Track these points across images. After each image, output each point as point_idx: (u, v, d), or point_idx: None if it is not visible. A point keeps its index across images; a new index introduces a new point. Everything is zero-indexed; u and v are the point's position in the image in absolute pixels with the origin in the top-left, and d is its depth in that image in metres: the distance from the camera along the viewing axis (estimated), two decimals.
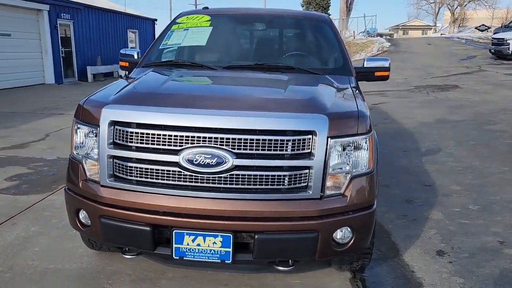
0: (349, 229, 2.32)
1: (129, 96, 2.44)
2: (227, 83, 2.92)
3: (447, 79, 15.48)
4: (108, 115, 2.26)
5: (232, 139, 2.13)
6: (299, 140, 2.16)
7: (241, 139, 2.13)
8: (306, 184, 2.19)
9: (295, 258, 2.27)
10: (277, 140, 2.14)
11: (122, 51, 3.81)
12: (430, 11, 72.83)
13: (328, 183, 2.23)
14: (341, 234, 2.33)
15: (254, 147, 2.13)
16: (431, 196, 4.41)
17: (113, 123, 2.25)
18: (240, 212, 2.14)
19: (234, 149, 2.13)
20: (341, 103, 2.51)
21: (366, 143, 2.33)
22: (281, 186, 2.17)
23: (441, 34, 49.70)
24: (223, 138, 2.13)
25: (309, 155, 2.17)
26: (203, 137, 2.13)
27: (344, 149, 2.26)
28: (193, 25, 3.72)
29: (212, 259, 2.18)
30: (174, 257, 2.20)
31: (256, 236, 2.15)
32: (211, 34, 3.61)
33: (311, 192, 2.19)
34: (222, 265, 2.25)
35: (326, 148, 2.19)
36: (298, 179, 2.18)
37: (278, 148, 2.15)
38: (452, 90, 12.86)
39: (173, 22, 3.85)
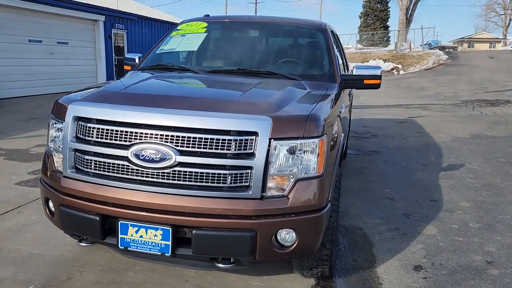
0: (292, 232, 2.32)
1: (96, 95, 2.61)
2: (194, 86, 3.03)
3: (501, 94, 14.66)
4: (72, 111, 2.45)
5: (176, 136, 2.22)
6: (241, 140, 2.22)
7: (184, 137, 2.22)
8: (247, 184, 2.23)
9: (233, 256, 2.31)
10: (220, 140, 2.21)
11: (126, 55, 4.05)
12: (500, 23, 69.13)
13: (270, 184, 2.26)
14: (284, 236, 2.33)
15: (197, 145, 2.21)
16: (433, 212, 4.23)
17: (77, 119, 2.43)
18: (180, 207, 2.22)
19: (178, 146, 2.22)
20: (295, 107, 2.52)
21: (314, 147, 2.32)
22: (222, 184, 2.23)
23: (511, 48, 46.86)
24: (167, 136, 2.23)
25: (250, 156, 2.22)
26: (149, 134, 2.25)
27: (289, 152, 2.28)
28: (190, 31, 3.88)
29: (153, 251, 2.28)
30: (120, 247, 2.32)
31: (193, 232, 2.22)
32: (204, 40, 3.75)
33: (251, 192, 2.23)
34: (163, 258, 2.33)
35: (268, 150, 2.22)
36: (239, 178, 2.23)
37: (220, 147, 2.21)
38: (503, 105, 12.16)
39: (174, 28, 4.03)
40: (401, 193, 4.80)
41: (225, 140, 2.21)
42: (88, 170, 2.40)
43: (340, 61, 4.11)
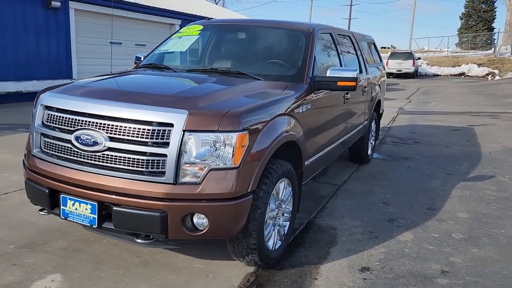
0: (203, 217, 2.54)
1: (63, 87, 3.05)
2: (147, 82, 3.34)
3: None
4: (41, 100, 2.91)
5: (107, 124, 2.57)
6: (159, 130, 2.49)
7: (114, 125, 2.55)
8: (163, 170, 2.50)
9: (147, 232, 2.57)
10: (142, 129, 2.51)
11: (137, 55, 4.51)
12: None
13: (183, 171, 2.49)
14: (195, 220, 2.56)
15: (124, 133, 2.53)
16: (422, 219, 4.10)
17: (44, 107, 2.89)
18: (105, 186, 2.55)
19: (108, 133, 2.56)
20: (221, 103, 2.72)
21: (230, 140, 2.51)
22: (142, 169, 2.52)
23: None
24: (101, 123, 2.58)
25: (166, 145, 2.48)
26: (88, 121, 2.62)
27: (202, 143, 2.49)
28: (186, 34, 4.22)
29: (85, 222, 2.64)
30: (61, 217, 2.72)
31: (113, 208, 2.54)
32: (194, 42, 4.07)
33: (165, 177, 2.49)
34: (92, 229, 2.69)
35: (181, 140, 2.46)
36: (156, 164, 2.50)
37: (144, 136, 2.50)
38: None
39: (178, 31, 4.41)
40: (401, 199, 4.67)
41: (145, 129, 2.50)
42: (47, 150, 2.84)
43: (339, 61, 4.20)
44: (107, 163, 2.58)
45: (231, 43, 4.15)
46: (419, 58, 33.27)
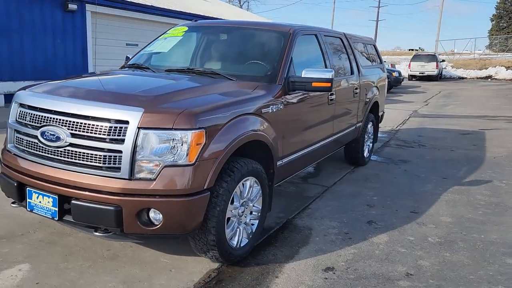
0: (157, 212, 2.61)
1: (37, 86, 3.18)
2: (117, 81, 3.45)
3: None
4: (15, 98, 3.06)
5: (69, 121, 2.68)
6: (115, 127, 2.59)
7: (75, 122, 2.66)
8: (119, 165, 2.58)
9: (103, 226, 2.66)
10: (101, 126, 2.61)
11: (127, 55, 4.65)
12: None
13: (138, 167, 2.58)
14: (150, 215, 2.63)
15: (84, 130, 2.63)
16: (402, 222, 4.06)
17: (18, 104, 3.03)
18: (65, 180, 2.66)
19: (70, 129, 2.67)
20: (180, 102, 2.79)
21: (185, 138, 2.58)
22: (100, 164, 2.62)
23: None
24: (64, 120, 2.70)
25: (122, 141, 2.57)
26: (53, 118, 2.74)
27: (157, 141, 2.57)
28: (172, 35, 4.32)
29: (47, 215, 2.75)
30: (27, 209, 2.85)
31: (72, 201, 2.64)
32: (176, 43, 4.16)
33: (120, 173, 2.57)
34: (58, 221, 2.79)
35: (136, 137, 2.55)
36: (113, 160, 2.60)
37: (102, 133, 2.60)
38: None
39: (164, 33, 4.51)
40: (387, 202, 4.64)
41: (103, 126, 2.59)
42: (18, 146, 2.98)
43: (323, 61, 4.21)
44: (69, 158, 2.68)
45: (212, 44, 4.22)
46: (443, 61, 32.56)
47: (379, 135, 8.79)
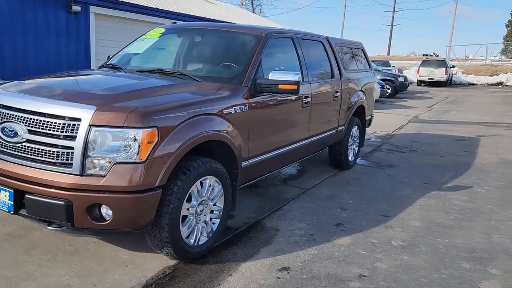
0: (107, 207, 2.69)
1: (6, 84, 3.29)
2: (82, 80, 3.55)
3: None
4: None
5: (27, 118, 2.78)
6: (69, 124, 2.68)
7: (32, 118, 2.76)
8: (71, 162, 2.67)
9: (56, 220, 2.74)
10: (56, 123, 2.70)
11: (109, 55, 4.76)
12: None
13: (89, 163, 2.66)
14: (101, 210, 2.71)
15: (40, 127, 2.73)
16: (370, 225, 4.08)
17: None
18: (21, 175, 2.76)
19: (27, 126, 2.77)
20: (136, 101, 2.88)
21: (136, 136, 2.66)
22: (54, 160, 2.71)
23: None
24: (21, 117, 2.80)
25: (74, 138, 2.66)
26: (12, 115, 2.84)
27: (108, 138, 2.65)
28: (149, 36, 4.42)
29: (4, 208, 2.85)
30: None
31: (26, 196, 2.73)
32: (152, 44, 4.26)
33: (72, 169, 2.66)
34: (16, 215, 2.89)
35: (88, 134, 2.63)
36: (66, 156, 2.68)
37: (56, 129, 2.70)
38: None
39: (144, 34, 4.61)
40: (361, 205, 4.66)
41: (58, 123, 2.69)
42: None
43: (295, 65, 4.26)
44: (25, 153, 2.78)
45: (186, 45, 4.29)
46: (453, 66, 32.27)
47: (372, 139, 8.86)
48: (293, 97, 4.24)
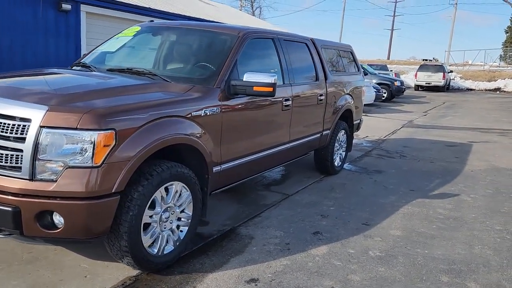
0: (58, 215, 2.52)
1: None
2: (43, 80, 3.38)
3: None
4: None
5: None
6: (18, 125, 2.52)
7: None
8: (21, 165, 2.51)
9: (3, 227, 2.58)
10: (7, 124, 2.54)
11: (84, 52, 4.60)
12: None
13: (39, 167, 2.50)
14: (51, 217, 2.55)
15: None
16: (349, 234, 3.93)
17: None
18: None
19: None
20: (93, 101, 2.72)
21: (90, 138, 2.50)
22: (3, 163, 2.55)
23: None
24: None
25: (23, 140, 2.50)
26: None
27: (60, 140, 2.49)
28: (124, 34, 4.27)
29: None
30: None
31: None
32: (125, 42, 4.11)
33: (21, 173, 2.50)
34: None
35: (38, 136, 2.47)
36: (15, 159, 2.53)
37: (6, 130, 2.54)
38: None
39: (120, 32, 4.46)
40: (342, 213, 4.50)
41: (8, 124, 2.53)
42: None
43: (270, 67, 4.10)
44: None
45: (160, 45, 4.14)
46: (451, 71, 32.20)
47: (363, 144, 8.71)
48: (272, 100, 4.08)
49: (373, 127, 10.63)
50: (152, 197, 2.88)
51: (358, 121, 6.79)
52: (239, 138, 3.75)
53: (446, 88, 28.50)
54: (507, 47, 51.23)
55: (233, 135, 3.64)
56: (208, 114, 3.31)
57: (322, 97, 5.23)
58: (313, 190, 5.30)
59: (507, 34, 55.72)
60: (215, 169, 3.48)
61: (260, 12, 60.31)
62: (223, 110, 3.46)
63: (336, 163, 6.08)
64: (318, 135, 5.36)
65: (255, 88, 3.49)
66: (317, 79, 5.18)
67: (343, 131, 6.13)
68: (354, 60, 6.72)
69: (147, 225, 2.91)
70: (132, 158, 2.68)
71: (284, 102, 4.33)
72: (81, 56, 4.39)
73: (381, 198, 5.11)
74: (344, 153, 6.37)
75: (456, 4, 43.57)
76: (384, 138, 9.55)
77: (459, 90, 31.08)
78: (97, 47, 4.33)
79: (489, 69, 37.28)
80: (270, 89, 3.50)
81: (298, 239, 3.78)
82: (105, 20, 12.98)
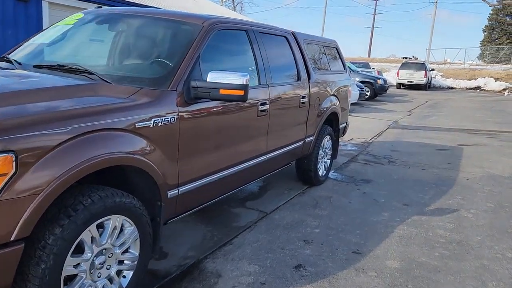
0: None
1: None
2: None
3: None
4: None
5: None
6: None
7: None
8: None
9: None
10: None
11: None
12: None
13: None
14: None
15: None
16: (338, 268, 3.25)
17: None
18: None
19: None
20: None
21: None
22: None
23: None
24: None
25: None
26: None
27: None
28: (64, 23, 3.49)
29: None
30: None
31: None
32: (62, 33, 3.32)
33: None
34: None
35: None
36: None
37: None
38: None
39: (61, 20, 3.67)
40: (329, 237, 3.82)
41: None
42: None
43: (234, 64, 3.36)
44: None
45: (105, 35, 3.38)
46: (432, 70, 32.03)
47: (348, 148, 8.07)
48: (245, 105, 3.37)
49: (358, 129, 10.01)
50: (78, 240, 2.14)
51: (344, 124, 6.14)
52: (203, 153, 3.02)
53: (427, 86, 28.29)
54: (484, 45, 51.68)
55: (194, 150, 2.91)
56: (160, 124, 2.57)
57: (305, 99, 4.53)
58: (295, 206, 4.61)
59: (485, 33, 56.26)
60: (170, 193, 2.75)
61: (241, 7, 59.42)
62: (181, 119, 2.72)
63: (320, 173, 5.41)
64: (301, 142, 4.67)
65: (222, 91, 2.77)
66: (299, 78, 4.48)
67: (328, 136, 5.46)
68: (340, 57, 6.05)
69: (71, 277, 2.17)
70: (43, 191, 1.93)
71: (260, 107, 3.61)
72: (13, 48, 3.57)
73: (372, 215, 4.45)
74: (329, 160, 5.70)
75: (436, 2, 43.66)
76: (370, 141, 8.95)
77: (440, 88, 30.91)
78: (31, 37, 3.52)
79: (470, 68, 37.33)
80: (241, 92, 2.78)
81: (276, 276, 3.08)
82: (70, 11, 12.02)
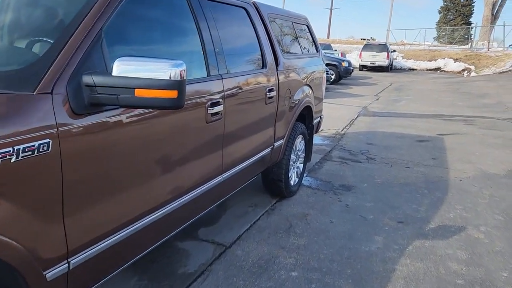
0: None
1: None
2: None
3: None
4: None
5: None
6: None
7: None
8: None
9: None
10: None
11: None
12: None
13: None
14: None
15: None
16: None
17: None
18: None
19: None
20: None
21: None
22: None
23: None
24: None
25: None
26: None
27: None
28: None
29: None
30: None
31: None
32: None
33: None
34: None
35: None
36: None
37: None
38: None
39: None
40: (312, 285, 2.77)
41: None
42: None
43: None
44: None
45: None
46: (394, 51, 31.73)
47: (319, 141, 7.07)
48: (187, 109, 2.21)
49: (327, 117, 8.95)
50: None
51: (318, 119, 5.09)
52: (113, 192, 1.85)
53: (389, 68, 27.92)
54: (440, 27, 52.26)
55: (95, 191, 1.74)
56: (17, 159, 1.38)
57: (273, 93, 3.42)
58: (263, 233, 3.54)
59: (441, 14, 56.98)
60: (49, 273, 1.58)
61: None
62: (65, 142, 1.55)
63: (292, 182, 4.35)
64: (269, 149, 3.56)
65: (137, 92, 1.61)
66: (264, 65, 3.35)
67: (300, 136, 4.39)
68: (312, 36, 4.95)
69: None
70: None
71: (210, 109, 2.46)
72: None
73: (363, 242, 3.44)
74: (302, 165, 4.65)
75: None
76: (342, 132, 7.99)
77: (402, 70, 30.66)
78: None
79: (429, 49, 37.42)
80: (172, 93, 1.63)
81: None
82: None
